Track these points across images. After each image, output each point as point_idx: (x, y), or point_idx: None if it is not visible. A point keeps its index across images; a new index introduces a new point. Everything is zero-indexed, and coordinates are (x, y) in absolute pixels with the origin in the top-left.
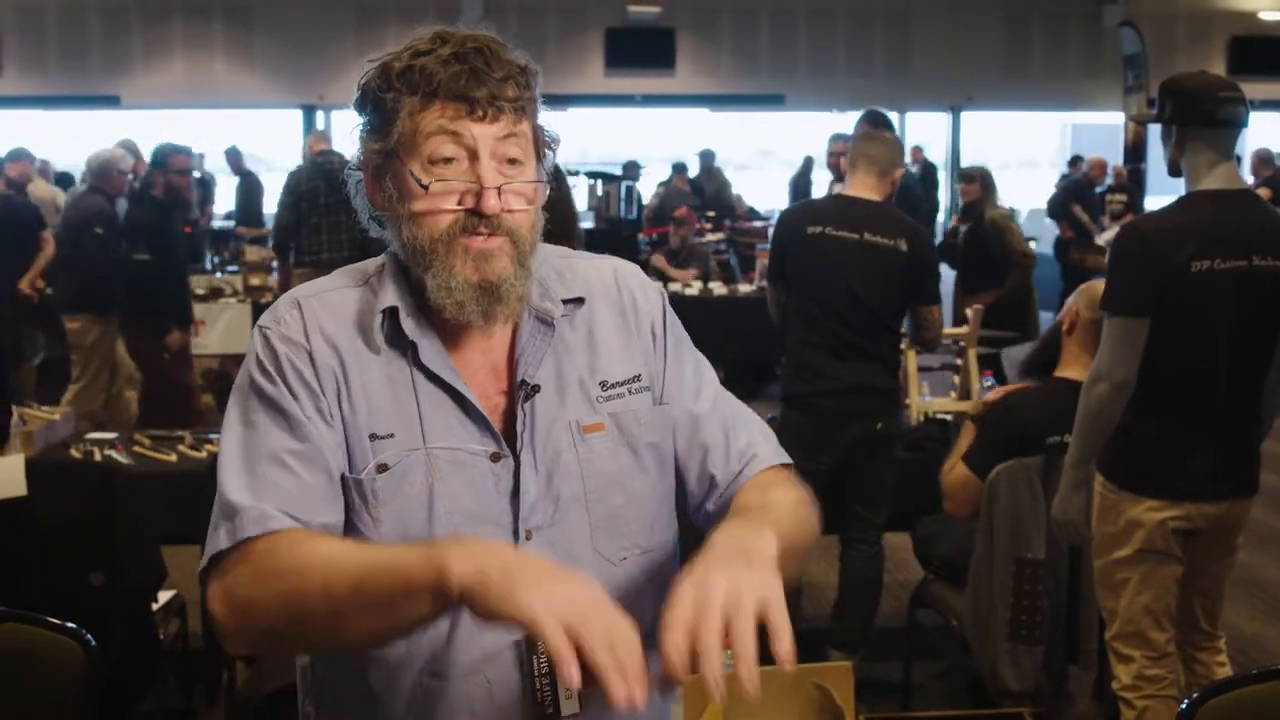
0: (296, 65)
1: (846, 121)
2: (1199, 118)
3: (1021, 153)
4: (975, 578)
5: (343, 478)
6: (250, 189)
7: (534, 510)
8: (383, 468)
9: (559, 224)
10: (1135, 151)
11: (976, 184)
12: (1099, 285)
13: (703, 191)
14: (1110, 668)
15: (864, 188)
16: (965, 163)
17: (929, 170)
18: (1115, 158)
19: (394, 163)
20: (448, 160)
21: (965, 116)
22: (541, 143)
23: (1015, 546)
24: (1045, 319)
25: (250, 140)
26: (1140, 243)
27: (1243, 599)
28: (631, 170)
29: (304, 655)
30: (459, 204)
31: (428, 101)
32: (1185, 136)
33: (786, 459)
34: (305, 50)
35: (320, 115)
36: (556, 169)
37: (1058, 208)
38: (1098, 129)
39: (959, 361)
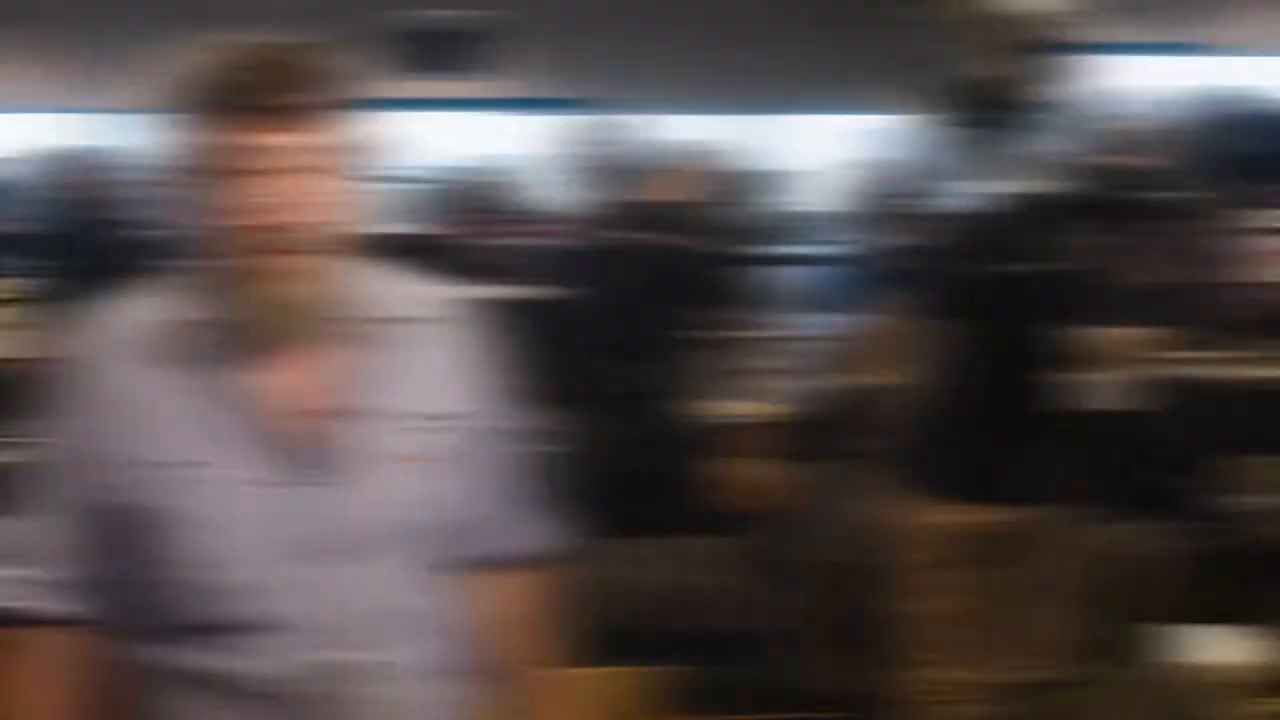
0: None
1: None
2: None
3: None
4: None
5: (125, 507)
6: None
7: (340, 538)
8: (171, 493)
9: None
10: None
11: None
12: None
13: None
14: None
15: None
16: None
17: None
18: None
19: (190, 176)
20: (243, 174)
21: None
22: (355, 149)
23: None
24: None
25: None
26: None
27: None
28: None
29: None
30: (255, 220)
31: (220, 112)
32: None
33: (552, 546)
34: None
35: None
36: (381, 176)
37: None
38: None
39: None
